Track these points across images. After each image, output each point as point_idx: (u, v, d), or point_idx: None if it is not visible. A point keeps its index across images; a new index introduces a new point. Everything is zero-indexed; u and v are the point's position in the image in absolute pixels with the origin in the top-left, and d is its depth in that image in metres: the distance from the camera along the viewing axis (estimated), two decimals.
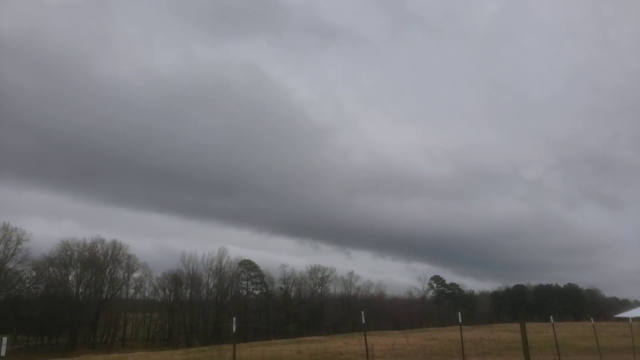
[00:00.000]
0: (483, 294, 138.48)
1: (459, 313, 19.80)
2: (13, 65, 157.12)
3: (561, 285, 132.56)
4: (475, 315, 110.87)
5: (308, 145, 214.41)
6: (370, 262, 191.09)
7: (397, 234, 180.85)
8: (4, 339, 9.78)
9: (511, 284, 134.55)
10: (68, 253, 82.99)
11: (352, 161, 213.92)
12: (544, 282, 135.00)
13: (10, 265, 75.02)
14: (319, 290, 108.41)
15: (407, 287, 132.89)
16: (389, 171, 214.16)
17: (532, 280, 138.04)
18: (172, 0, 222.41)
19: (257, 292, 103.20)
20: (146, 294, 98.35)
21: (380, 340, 31.30)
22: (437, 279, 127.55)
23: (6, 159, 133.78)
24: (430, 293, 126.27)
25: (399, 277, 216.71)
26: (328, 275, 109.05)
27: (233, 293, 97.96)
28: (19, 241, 74.88)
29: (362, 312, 16.70)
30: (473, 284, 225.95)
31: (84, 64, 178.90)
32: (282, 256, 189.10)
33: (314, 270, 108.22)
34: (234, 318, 15.65)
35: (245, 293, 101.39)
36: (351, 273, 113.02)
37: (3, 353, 9.61)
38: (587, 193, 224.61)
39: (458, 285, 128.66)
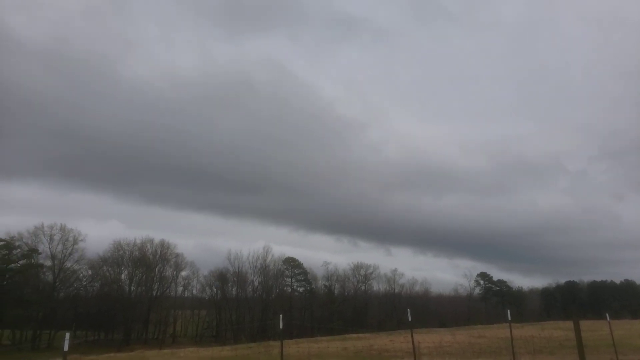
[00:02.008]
0: (532, 291, 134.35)
1: (508, 310, 19.35)
2: (45, 73, 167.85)
3: (617, 281, 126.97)
4: (524, 313, 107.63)
5: (338, 141, 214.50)
6: (411, 258, 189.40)
7: (437, 230, 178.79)
8: (67, 335, 10.41)
9: (562, 280, 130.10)
10: (120, 253, 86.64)
11: (385, 156, 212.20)
12: (598, 278, 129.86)
13: (68, 264, 79.37)
14: (363, 287, 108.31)
15: (452, 284, 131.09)
16: (425, 165, 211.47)
17: (585, 277, 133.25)
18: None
19: (301, 290, 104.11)
20: (194, 291, 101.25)
21: (427, 338, 30.99)
22: (483, 275, 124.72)
23: (50, 163, 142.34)
24: (477, 290, 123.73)
25: (441, 274, 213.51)
26: (371, 273, 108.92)
27: (278, 290, 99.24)
28: (75, 241, 79.12)
29: (408, 309, 16.61)
30: (521, 281, 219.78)
31: (110, 69, 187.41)
32: (321, 253, 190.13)
33: (356, 268, 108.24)
34: (281, 315, 15.94)
35: (289, 290, 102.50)
36: (395, 270, 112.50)
37: (66, 348, 10.24)
38: (636, 184, 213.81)
39: (506, 282, 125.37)
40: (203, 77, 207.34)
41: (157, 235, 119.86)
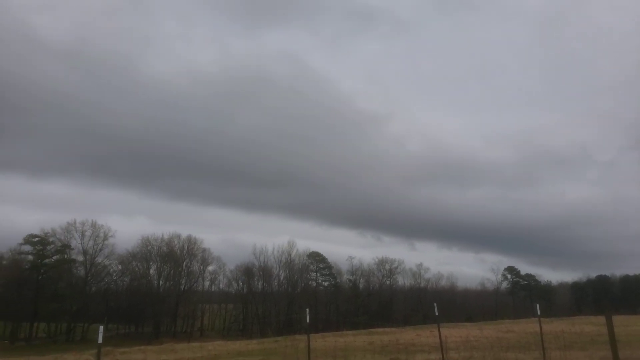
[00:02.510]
0: (561, 285, 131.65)
1: (537, 305, 19.06)
2: (68, 73, 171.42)
3: None
4: (553, 307, 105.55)
5: (359, 135, 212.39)
6: (436, 253, 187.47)
7: (462, 224, 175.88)
8: (101, 328, 10.75)
9: (593, 274, 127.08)
10: (148, 248, 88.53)
11: (408, 149, 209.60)
12: (631, 272, 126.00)
13: (99, 259, 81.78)
14: (388, 282, 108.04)
15: (478, 279, 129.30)
16: (448, 158, 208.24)
17: (617, 270, 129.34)
18: None
19: (326, 284, 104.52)
20: (221, 286, 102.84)
21: (454, 332, 30.71)
22: (511, 269, 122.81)
23: (77, 161, 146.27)
24: (505, 284, 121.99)
25: (467, 268, 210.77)
26: (396, 267, 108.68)
27: (303, 285, 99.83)
28: (105, 237, 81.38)
29: (435, 304, 16.54)
30: (549, 275, 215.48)
31: (130, 67, 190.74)
32: (344, 247, 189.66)
33: (381, 262, 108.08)
34: (307, 309, 16.07)
35: (314, 284, 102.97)
36: (420, 265, 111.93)
37: (100, 340, 10.57)
38: None
39: (534, 276, 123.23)
40: (222, 73, 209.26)
41: (183, 231, 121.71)
